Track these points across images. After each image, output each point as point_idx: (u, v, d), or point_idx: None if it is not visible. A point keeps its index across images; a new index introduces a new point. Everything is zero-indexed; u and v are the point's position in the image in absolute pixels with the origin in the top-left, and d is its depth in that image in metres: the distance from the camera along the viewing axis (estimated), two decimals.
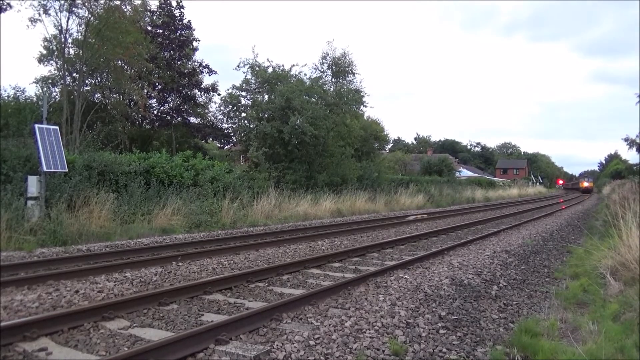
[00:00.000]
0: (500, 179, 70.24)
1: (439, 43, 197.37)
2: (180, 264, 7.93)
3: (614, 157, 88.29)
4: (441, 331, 4.65)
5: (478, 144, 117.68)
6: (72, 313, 4.70)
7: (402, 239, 11.46)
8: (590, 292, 6.27)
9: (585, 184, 72.89)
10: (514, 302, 6.14)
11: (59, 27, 20.99)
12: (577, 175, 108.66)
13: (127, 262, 7.64)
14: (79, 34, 21.95)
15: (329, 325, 4.60)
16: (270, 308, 4.92)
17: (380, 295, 5.72)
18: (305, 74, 23.44)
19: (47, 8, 20.19)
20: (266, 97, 21.88)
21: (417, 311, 5.17)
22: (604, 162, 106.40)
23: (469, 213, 22.63)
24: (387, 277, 6.84)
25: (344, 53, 26.00)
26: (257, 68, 21.61)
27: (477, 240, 11.33)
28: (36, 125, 10.55)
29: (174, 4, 29.16)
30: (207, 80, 30.74)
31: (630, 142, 26.69)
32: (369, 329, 4.52)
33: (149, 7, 28.21)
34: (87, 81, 24.65)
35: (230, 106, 21.83)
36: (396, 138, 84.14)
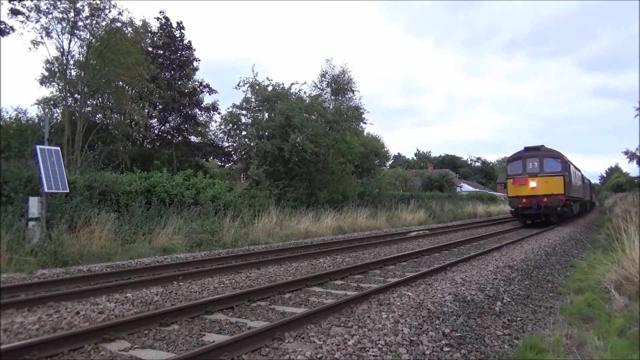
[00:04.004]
0: (501, 194, 70.06)
1: (440, 58, 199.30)
2: (181, 283, 7.89)
3: (614, 171, 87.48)
4: (445, 349, 4.60)
5: (478, 159, 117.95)
6: (72, 335, 4.67)
7: (404, 255, 11.40)
8: (595, 307, 6.21)
9: (533, 184, 21.05)
10: (518, 318, 6.08)
11: (61, 49, 21.27)
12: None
13: (128, 283, 7.60)
14: (81, 55, 22.24)
15: (332, 344, 4.55)
16: (272, 327, 4.88)
17: (383, 313, 5.67)
18: (304, 92, 23.64)
19: (49, 31, 20.50)
20: (266, 115, 22.02)
21: (421, 328, 5.12)
22: (604, 175, 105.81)
23: (470, 228, 22.55)
24: (389, 294, 6.79)
25: (343, 71, 26.27)
26: (257, 87, 21.79)
27: (480, 256, 11.27)
28: (37, 146, 10.60)
29: (174, 25, 29.57)
30: (207, 99, 30.88)
31: (630, 155, 26.79)
32: (372, 347, 4.48)
33: (149, 29, 28.61)
34: (88, 102, 24.86)
35: (231, 125, 21.96)
36: (396, 154, 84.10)
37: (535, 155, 21.45)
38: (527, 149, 21.83)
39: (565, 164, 21.70)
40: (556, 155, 21.69)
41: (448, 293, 6.79)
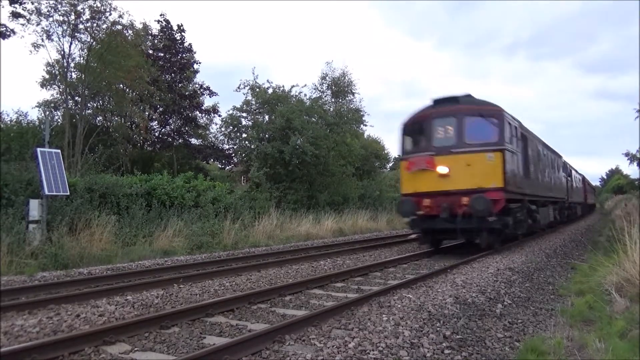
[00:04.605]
0: None
1: (441, 60, 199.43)
2: (181, 286, 7.88)
3: (615, 173, 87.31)
4: (446, 351, 4.59)
5: None
6: (73, 338, 4.66)
7: (405, 257, 11.38)
8: (596, 309, 6.20)
9: (442, 170, 11.06)
10: (519, 321, 6.07)
11: (62, 52, 21.31)
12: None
13: (129, 285, 7.59)
14: (81, 58, 22.28)
15: (332, 346, 4.54)
16: (273, 330, 4.87)
17: (384, 315, 5.66)
18: (305, 94, 23.69)
19: (50, 34, 20.54)
20: (267, 117, 22.06)
21: (421, 331, 5.11)
22: (605, 177, 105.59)
23: None
24: (390, 296, 6.78)
25: (344, 73, 26.31)
26: (258, 89, 21.82)
27: (480, 258, 11.25)
28: (38, 149, 10.62)
29: (175, 27, 29.60)
30: (207, 101, 30.91)
31: (631, 157, 26.68)
32: (373, 350, 4.47)
33: (150, 31, 28.63)
34: (89, 104, 24.89)
35: (231, 127, 22.00)
36: (397, 156, 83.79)
37: (450, 113, 11.37)
38: (437, 101, 11.95)
39: (510, 129, 11.85)
40: (489, 112, 11.34)
41: (449, 295, 6.78)
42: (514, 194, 11.77)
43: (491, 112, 11.43)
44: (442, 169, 11.13)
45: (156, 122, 29.05)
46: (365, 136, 34.54)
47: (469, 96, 12.05)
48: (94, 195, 12.18)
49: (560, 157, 20.99)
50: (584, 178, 34.03)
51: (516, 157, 12.14)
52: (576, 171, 28.61)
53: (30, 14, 19.50)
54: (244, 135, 22.08)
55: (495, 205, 10.70)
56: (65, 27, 20.67)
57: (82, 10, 20.63)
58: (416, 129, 12.27)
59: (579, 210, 29.49)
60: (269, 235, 15.46)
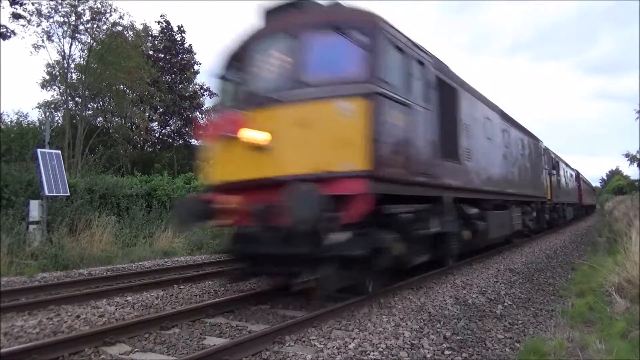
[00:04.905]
0: None
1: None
2: (182, 287, 7.87)
3: (615, 173, 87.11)
4: (446, 352, 4.58)
5: None
6: (73, 338, 4.66)
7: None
8: (597, 310, 6.19)
9: (256, 136, 5.40)
10: (520, 322, 6.06)
11: (62, 53, 21.39)
12: None
13: (129, 286, 7.59)
14: (82, 59, 22.34)
15: (333, 347, 4.54)
16: (273, 331, 4.86)
17: (384, 316, 5.66)
18: None
19: (51, 35, 20.60)
20: None
21: (422, 332, 5.11)
22: (605, 178, 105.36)
23: None
24: (390, 297, 6.77)
25: None
26: None
27: (481, 259, 11.24)
28: (38, 150, 10.63)
29: (175, 28, 29.62)
30: (208, 102, 30.95)
31: (631, 158, 26.61)
32: (373, 351, 4.46)
33: (150, 32, 28.67)
34: (89, 105, 24.93)
35: None
36: None
37: (281, 29, 6.17)
38: (270, 13, 6.60)
39: (405, 62, 6.47)
40: (352, 23, 5.86)
41: (449, 296, 6.77)
42: (407, 186, 6.46)
43: (355, 24, 5.95)
44: (254, 136, 5.60)
45: (156, 122, 29.08)
46: None
47: (337, 4, 6.66)
48: (94, 196, 12.19)
49: (538, 141, 15.78)
50: (578, 174, 28.05)
51: (419, 117, 6.78)
52: (567, 165, 23.34)
53: (31, 15, 19.61)
54: None
55: (349, 208, 5.35)
56: (65, 28, 20.77)
57: (82, 12, 20.72)
58: (235, 65, 6.74)
59: (570, 213, 23.79)
60: None
